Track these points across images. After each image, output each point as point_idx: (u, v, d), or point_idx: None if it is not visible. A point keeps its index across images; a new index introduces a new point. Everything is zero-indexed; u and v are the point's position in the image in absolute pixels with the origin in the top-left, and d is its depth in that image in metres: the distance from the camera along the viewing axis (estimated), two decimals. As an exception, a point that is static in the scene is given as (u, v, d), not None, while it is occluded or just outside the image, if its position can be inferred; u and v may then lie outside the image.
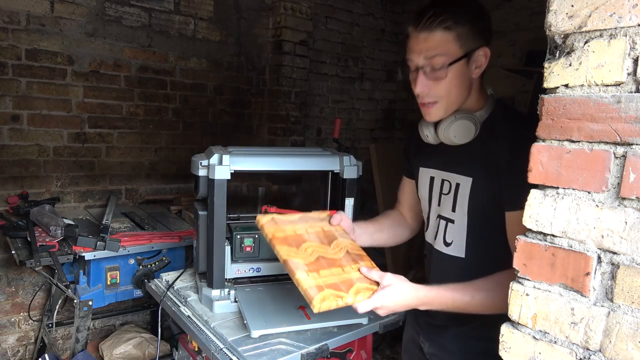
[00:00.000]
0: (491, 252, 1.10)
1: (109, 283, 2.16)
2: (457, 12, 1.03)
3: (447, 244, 1.21)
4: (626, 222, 0.63)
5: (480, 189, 1.12)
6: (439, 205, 1.24)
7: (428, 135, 1.20)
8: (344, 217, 1.26)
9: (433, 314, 1.30)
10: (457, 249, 1.19)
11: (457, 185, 1.17)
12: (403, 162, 1.45)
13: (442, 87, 1.07)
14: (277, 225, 1.17)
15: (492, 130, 1.12)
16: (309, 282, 1.01)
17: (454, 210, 1.18)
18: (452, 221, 1.19)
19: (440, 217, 1.23)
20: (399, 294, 1.02)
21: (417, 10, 1.08)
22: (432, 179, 1.26)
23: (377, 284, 1.05)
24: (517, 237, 0.77)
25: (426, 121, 1.19)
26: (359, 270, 1.07)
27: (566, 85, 0.69)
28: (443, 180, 1.22)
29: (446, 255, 1.22)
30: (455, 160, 1.18)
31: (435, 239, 1.25)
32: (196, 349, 1.55)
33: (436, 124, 1.17)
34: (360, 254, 1.13)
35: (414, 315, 1.42)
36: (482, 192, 1.12)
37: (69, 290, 2.04)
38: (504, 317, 0.93)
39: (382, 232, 1.39)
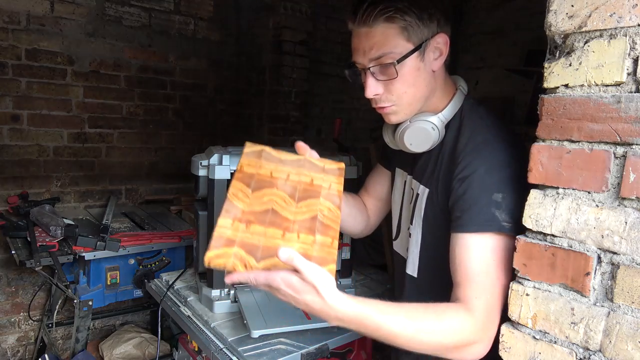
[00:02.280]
0: (444, 276, 0.93)
1: (109, 283, 2.16)
2: None
3: (404, 260, 1.10)
4: (626, 222, 0.63)
5: (435, 201, 0.99)
6: (407, 213, 1.12)
7: (389, 142, 1.09)
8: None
9: None
10: (412, 267, 1.07)
11: (417, 195, 1.05)
12: (382, 150, 1.29)
13: (395, 88, 0.94)
14: (258, 159, 0.97)
15: (454, 134, 0.98)
16: (224, 230, 0.81)
17: (411, 222, 1.06)
18: (410, 235, 1.06)
19: (408, 227, 1.10)
20: (305, 296, 0.77)
21: (354, 1, 0.94)
22: (405, 183, 1.14)
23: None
24: (517, 237, 0.77)
25: (387, 125, 1.08)
26: (304, 242, 0.82)
27: (566, 85, 0.69)
28: (411, 188, 1.10)
29: (404, 272, 1.10)
30: (420, 166, 1.06)
31: (407, 250, 1.11)
32: (196, 349, 1.55)
33: (395, 129, 1.04)
34: (328, 225, 0.86)
35: None
36: (436, 205, 0.99)
37: (69, 290, 2.04)
38: None
39: (346, 206, 1.17)
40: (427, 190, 1.02)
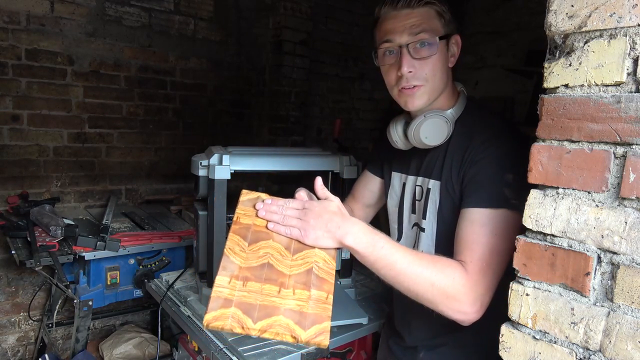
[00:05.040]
0: None
1: (109, 283, 2.16)
2: None
3: None
4: (626, 222, 0.63)
5: (448, 192, 1.05)
6: (413, 212, 1.16)
7: (397, 141, 1.13)
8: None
9: (403, 336, 1.22)
10: None
11: (428, 190, 1.10)
12: (372, 157, 1.36)
13: (428, 66, 1.01)
14: (254, 208, 0.99)
15: (463, 129, 1.05)
16: (222, 290, 0.82)
17: (424, 217, 1.10)
18: (423, 229, 1.11)
19: (416, 225, 1.15)
20: (329, 209, 0.91)
21: None
22: (404, 185, 1.19)
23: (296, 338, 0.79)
24: (517, 237, 0.77)
25: (395, 124, 1.13)
26: (300, 299, 0.84)
27: (566, 86, 0.69)
28: (416, 186, 1.14)
29: None
30: (426, 163, 1.11)
31: (414, 247, 1.16)
32: (196, 349, 1.55)
33: (405, 129, 1.10)
34: (323, 279, 0.88)
35: (386, 338, 1.34)
36: (450, 196, 1.04)
37: (69, 290, 2.04)
38: (476, 341, 0.90)
39: None
40: (438, 182, 1.07)
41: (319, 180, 0.95)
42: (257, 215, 0.97)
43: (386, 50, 1.03)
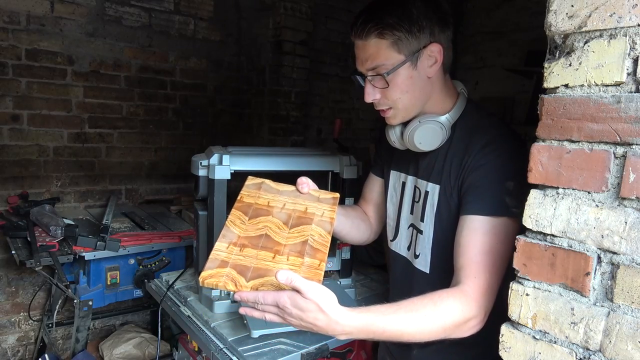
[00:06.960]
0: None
1: (109, 283, 2.16)
2: (391, 15, 0.95)
3: (416, 256, 1.13)
4: (626, 222, 0.63)
5: (448, 197, 1.03)
6: (411, 213, 1.15)
7: (395, 141, 1.12)
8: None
9: None
10: (423, 263, 1.11)
11: (426, 193, 1.09)
12: (374, 158, 1.36)
13: (389, 94, 1.01)
14: (258, 190, 1.05)
15: (463, 133, 1.04)
16: (219, 253, 0.87)
17: (422, 219, 1.10)
18: (421, 232, 1.10)
19: (412, 225, 1.15)
20: (308, 314, 0.81)
21: (354, 16, 1.02)
22: (403, 184, 1.18)
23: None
24: (517, 237, 0.77)
25: (391, 126, 1.12)
26: (297, 264, 0.87)
27: (566, 86, 0.69)
28: (415, 187, 1.14)
29: (415, 268, 1.13)
30: (425, 166, 1.11)
31: (408, 249, 1.17)
32: (196, 349, 1.55)
33: (402, 129, 1.09)
34: (317, 249, 0.92)
35: None
36: (449, 200, 1.03)
37: (69, 290, 2.04)
38: (468, 338, 0.92)
39: (347, 219, 1.22)
40: (437, 186, 1.06)
41: (282, 275, 0.80)
42: (258, 197, 1.02)
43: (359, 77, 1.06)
